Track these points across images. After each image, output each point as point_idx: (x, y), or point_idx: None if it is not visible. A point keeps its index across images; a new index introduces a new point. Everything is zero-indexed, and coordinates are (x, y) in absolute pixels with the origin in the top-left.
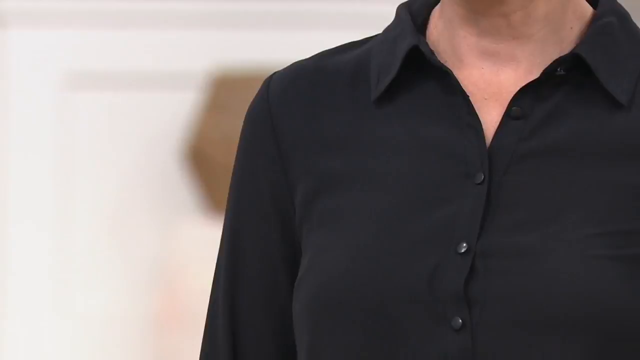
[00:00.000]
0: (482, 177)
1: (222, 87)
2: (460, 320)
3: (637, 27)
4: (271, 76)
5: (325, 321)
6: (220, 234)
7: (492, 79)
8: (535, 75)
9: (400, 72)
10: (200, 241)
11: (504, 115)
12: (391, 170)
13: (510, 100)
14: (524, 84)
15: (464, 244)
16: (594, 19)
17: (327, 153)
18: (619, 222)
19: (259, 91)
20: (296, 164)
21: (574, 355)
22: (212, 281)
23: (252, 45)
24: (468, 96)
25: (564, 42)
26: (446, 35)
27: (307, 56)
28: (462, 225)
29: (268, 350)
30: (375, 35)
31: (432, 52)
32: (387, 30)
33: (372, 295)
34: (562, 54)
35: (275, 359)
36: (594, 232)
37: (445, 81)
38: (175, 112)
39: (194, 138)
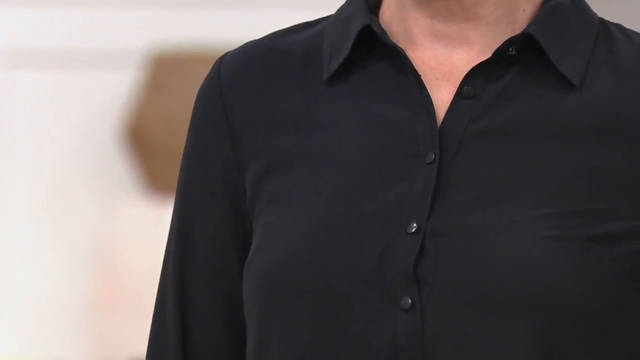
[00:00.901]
0: (433, 156)
1: (161, 66)
2: (409, 300)
3: (589, 8)
4: (223, 56)
5: (274, 302)
6: (160, 213)
7: (444, 60)
8: (488, 56)
9: (353, 52)
10: (139, 221)
11: (455, 95)
12: (342, 150)
13: (462, 80)
14: (475, 65)
15: (414, 224)
16: (546, 0)
17: (278, 133)
18: (569, 203)
19: (210, 71)
20: (247, 144)
21: (521, 335)
22: (162, 263)
23: (191, 25)
24: (420, 75)
25: (517, 24)
26: (398, 16)
27: (247, 35)
28: (412, 204)
29: (217, 332)
30: (329, 16)
31: (384, 32)
32: (340, 10)
33: (321, 276)
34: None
35: (224, 342)
36: (544, 213)
37: (397, 61)
38: (115, 91)
39: (134, 117)
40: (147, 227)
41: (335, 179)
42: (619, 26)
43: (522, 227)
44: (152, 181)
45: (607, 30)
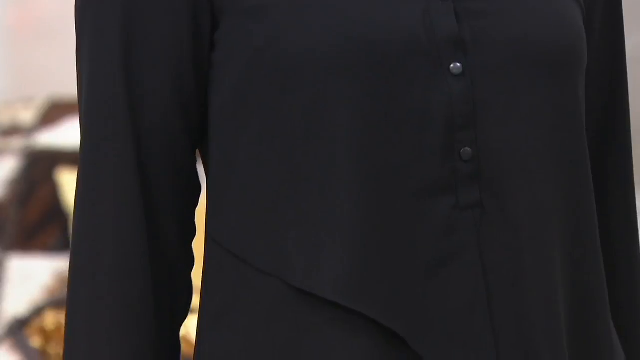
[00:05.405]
0: None
1: None
2: (459, 65)
3: None
4: None
5: (332, 78)
6: None
7: None
8: None
9: None
10: None
11: None
12: None
13: None
14: None
15: None
16: None
17: None
18: None
19: None
20: None
21: (557, 89)
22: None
23: None
24: None
25: None
26: None
27: None
28: None
29: (166, 101)
30: None
31: None
32: None
33: (374, 48)
34: None
35: (172, 109)
36: None
37: None
38: None
39: None
40: None
41: None
42: None
43: None
44: None
45: None
